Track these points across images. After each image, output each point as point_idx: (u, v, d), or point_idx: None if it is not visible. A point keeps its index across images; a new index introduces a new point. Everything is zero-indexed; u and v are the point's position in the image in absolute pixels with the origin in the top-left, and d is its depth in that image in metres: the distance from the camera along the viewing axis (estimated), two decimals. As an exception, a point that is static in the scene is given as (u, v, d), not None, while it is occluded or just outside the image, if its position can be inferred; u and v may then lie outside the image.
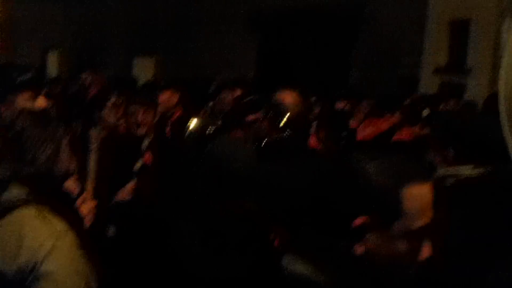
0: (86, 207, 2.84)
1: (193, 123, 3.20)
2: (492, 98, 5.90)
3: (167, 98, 5.29)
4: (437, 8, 9.58)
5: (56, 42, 20.22)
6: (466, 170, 2.22)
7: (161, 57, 15.50)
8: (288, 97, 3.43)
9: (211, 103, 4.92)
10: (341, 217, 1.41)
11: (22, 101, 3.45)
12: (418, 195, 1.39)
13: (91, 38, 18.30)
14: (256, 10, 12.94)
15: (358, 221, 1.38)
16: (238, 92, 4.33)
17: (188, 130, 3.11)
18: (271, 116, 3.21)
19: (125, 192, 3.76)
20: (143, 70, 14.53)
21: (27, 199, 2.09)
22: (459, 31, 9.35)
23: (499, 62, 8.67)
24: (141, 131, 4.49)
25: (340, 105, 6.18)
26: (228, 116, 3.24)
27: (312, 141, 4.11)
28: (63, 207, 2.21)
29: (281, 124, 3.07)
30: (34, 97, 3.56)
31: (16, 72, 3.84)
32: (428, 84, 9.19)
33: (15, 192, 2.14)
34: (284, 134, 3.07)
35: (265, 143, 3.05)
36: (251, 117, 3.35)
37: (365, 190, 1.39)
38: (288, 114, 3.11)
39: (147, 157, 4.61)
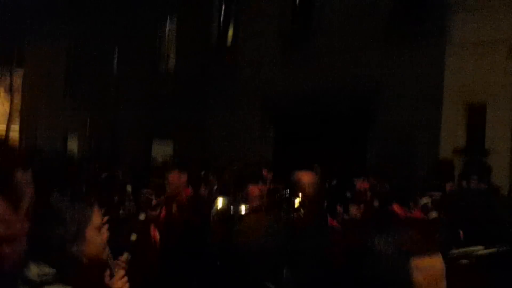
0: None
1: (220, 202, 3.24)
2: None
3: (175, 178, 5.32)
4: (453, 90, 9.67)
5: (76, 128, 20.67)
6: (478, 251, 2.26)
7: (177, 140, 15.73)
8: (304, 177, 3.46)
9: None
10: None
11: None
12: (428, 267, 1.43)
13: (107, 124, 18.65)
14: (271, 94, 13.15)
15: None
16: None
17: (215, 208, 3.16)
18: (287, 197, 3.26)
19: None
20: (160, 153, 14.72)
21: (53, 278, 2.17)
22: (477, 113, 9.39)
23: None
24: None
25: (360, 184, 6.15)
26: (255, 207, 3.30)
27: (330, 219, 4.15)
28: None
29: (296, 205, 3.09)
30: None
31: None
32: (447, 164, 9.13)
33: (35, 270, 2.22)
34: (300, 213, 3.09)
35: (286, 221, 3.11)
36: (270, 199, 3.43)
37: (375, 262, 1.44)
38: (300, 194, 3.14)
39: (154, 233, 4.62)
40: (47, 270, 2.24)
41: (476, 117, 9.46)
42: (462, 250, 2.31)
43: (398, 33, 10.69)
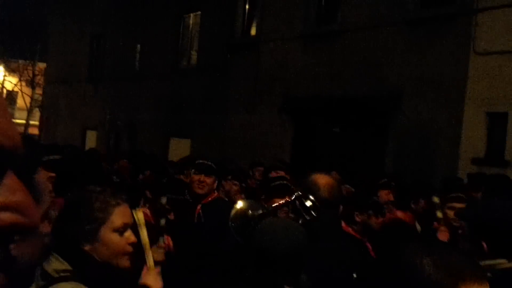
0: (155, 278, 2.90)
1: (240, 204, 3.24)
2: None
3: (207, 181, 5.28)
4: (474, 100, 9.59)
5: (94, 123, 20.79)
6: (501, 264, 2.23)
7: (195, 139, 15.73)
8: (320, 180, 3.40)
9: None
10: None
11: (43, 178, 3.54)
12: None
13: (128, 120, 18.72)
14: (289, 97, 13.11)
15: None
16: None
17: (235, 209, 3.16)
18: (301, 198, 3.22)
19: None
20: (178, 151, 14.72)
21: (70, 275, 2.18)
22: (497, 122, 9.30)
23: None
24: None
25: (384, 194, 6.05)
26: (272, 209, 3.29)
27: (344, 224, 4.11)
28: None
29: (308, 206, 3.05)
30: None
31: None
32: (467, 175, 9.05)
33: (54, 265, 2.23)
34: (312, 217, 3.05)
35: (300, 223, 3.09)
36: (283, 201, 3.40)
37: (421, 284, 1.38)
38: (313, 197, 3.10)
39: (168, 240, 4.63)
40: (65, 266, 2.24)
41: (497, 127, 9.36)
42: (485, 263, 2.23)
43: (422, 37, 10.61)
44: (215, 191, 5.41)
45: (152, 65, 17.91)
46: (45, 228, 2.35)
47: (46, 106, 26.05)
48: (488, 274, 2.21)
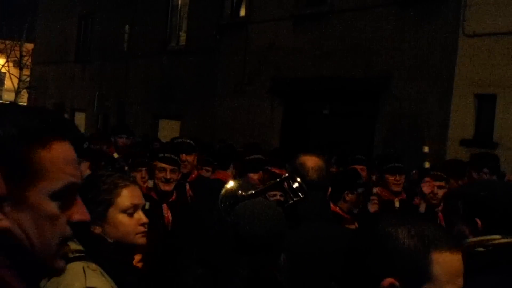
0: None
1: (230, 184, 3.24)
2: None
3: (188, 159, 5.31)
4: (463, 81, 9.60)
5: (83, 105, 20.67)
6: (494, 240, 2.29)
7: (184, 120, 15.68)
8: (308, 161, 3.39)
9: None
10: (370, 278, 1.46)
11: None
12: (448, 262, 1.45)
13: (116, 102, 18.63)
14: (279, 78, 13.06)
15: (387, 282, 1.43)
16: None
17: (225, 189, 3.15)
18: (289, 180, 3.21)
19: None
20: (167, 132, 14.68)
21: (82, 256, 2.23)
22: (486, 104, 9.34)
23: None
24: (168, 187, 4.62)
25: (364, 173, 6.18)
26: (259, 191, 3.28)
27: (332, 205, 4.12)
28: (118, 270, 2.31)
29: (294, 187, 3.05)
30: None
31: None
32: (455, 156, 9.09)
33: (70, 246, 2.30)
34: (299, 198, 3.04)
35: (286, 206, 3.07)
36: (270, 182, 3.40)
37: (394, 253, 1.45)
38: (300, 179, 3.09)
39: (167, 216, 4.62)
40: (79, 247, 2.29)
41: (485, 108, 9.39)
42: (478, 239, 2.32)
43: (412, 18, 10.59)
44: (195, 170, 5.52)
45: (141, 46, 17.78)
46: None
47: (34, 87, 25.86)
48: (481, 249, 2.27)
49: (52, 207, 1.13)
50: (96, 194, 2.42)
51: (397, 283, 1.43)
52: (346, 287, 1.53)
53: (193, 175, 5.41)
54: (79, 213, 1.20)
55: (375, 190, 5.43)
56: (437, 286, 1.44)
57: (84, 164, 3.68)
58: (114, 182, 2.47)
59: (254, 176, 5.14)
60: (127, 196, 2.47)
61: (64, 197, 1.15)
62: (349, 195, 4.74)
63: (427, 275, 1.43)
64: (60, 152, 1.14)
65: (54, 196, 1.13)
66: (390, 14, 10.94)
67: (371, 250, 1.48)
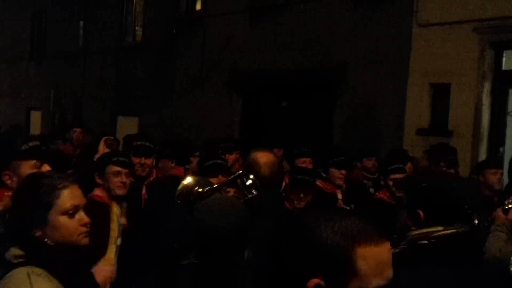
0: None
1: (187, 180, 3.21)
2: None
3: (147, 162, 5.26)
4: (418, 71, 9.71)
5: (39, 103, 20.31)
6: (437, 232, 2.31)
7: (143, 117, 15.52)
8: (261, 158, 3.39)
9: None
10: (296, 277, 1.44)
11: (27, 168, 3.51)
12: (373, 255, 1.43)
13: (73, 99, 18.36)
14: (236, 72, 13.02)
15: (312, 283, 1.41)
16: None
17: (182, 185, 3.13)
18: (242, 177, 3.22)
19: None
20: (126, 129, 14.47)
21: (27, 260, 2.24)
22: (441, 93, 9.46)
23: (479, 125, 8.81)
24: (123, 191, 4.45)
25: (300, 162, 6.37)
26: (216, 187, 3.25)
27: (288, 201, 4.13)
28: (64, 272, 2.32)
29: (248, 184, 3.05)
30: (39, 166, 3.63)
31: (20, 140, 4.08)
32: (411, 145, 9.21)
33: (12, 252, 2.29)
34: (252, 195, 3.04)
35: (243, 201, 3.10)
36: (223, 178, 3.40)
37: (318, 250, 1.42)
38: (253, 175, 3.10)
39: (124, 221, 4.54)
40: (21, 252, 2.28)
41: (440, 98, 9.52)
42: (421, 231, 2.35)
43: (367, 8, 10.67)
44: (154, 171, 5.47)
45: (97, 42, 17.51)
46: None
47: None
48: (424, 242, 2.29)
49: None
50: (35, 197, 2.35)
51: (322, 283, 1.41)
52: (273, 283, 1.50)
53: (151, 178, 5.37)
54: None
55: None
56: (364, 281, 1.42)
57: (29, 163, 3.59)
58: (53, 184, 2.39)
59: (214, 181, 5.12)
60: (67, 197, 2.39)
61: None
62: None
63: (353, 271, 1.42)
64: None
65: None
66: (345, 5, 10.99)
67: (295, 247, 1.46)
